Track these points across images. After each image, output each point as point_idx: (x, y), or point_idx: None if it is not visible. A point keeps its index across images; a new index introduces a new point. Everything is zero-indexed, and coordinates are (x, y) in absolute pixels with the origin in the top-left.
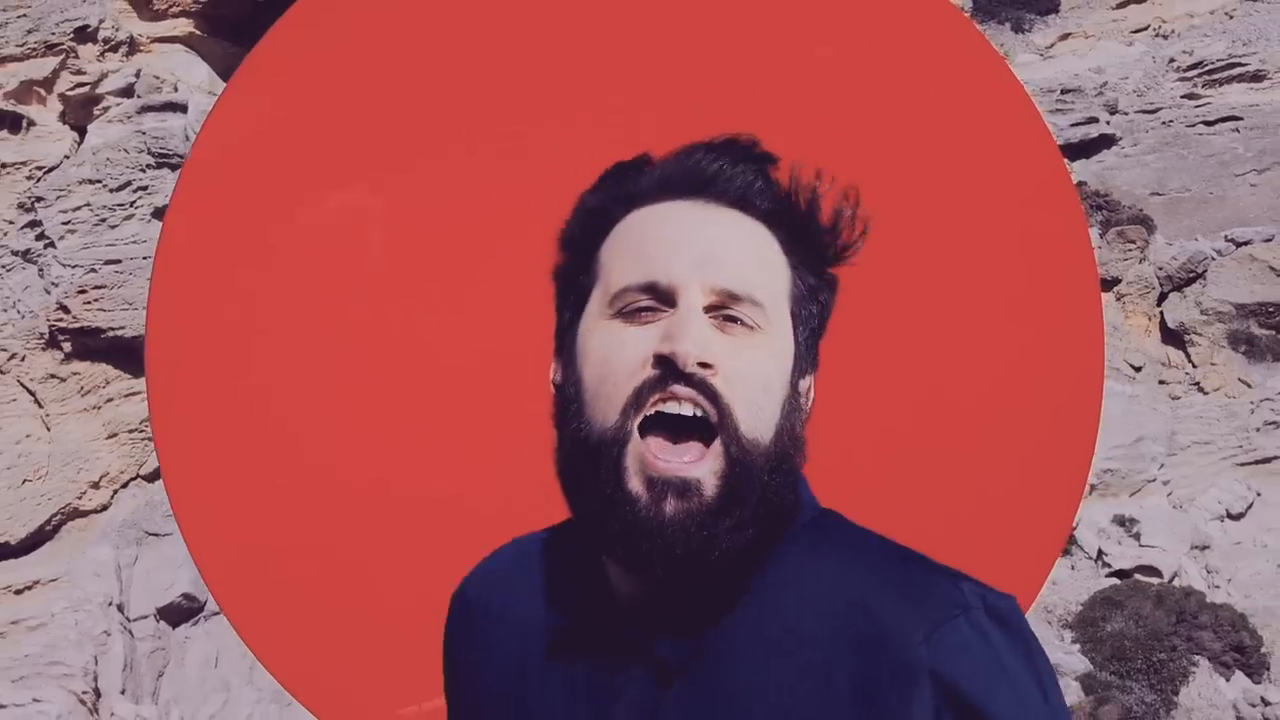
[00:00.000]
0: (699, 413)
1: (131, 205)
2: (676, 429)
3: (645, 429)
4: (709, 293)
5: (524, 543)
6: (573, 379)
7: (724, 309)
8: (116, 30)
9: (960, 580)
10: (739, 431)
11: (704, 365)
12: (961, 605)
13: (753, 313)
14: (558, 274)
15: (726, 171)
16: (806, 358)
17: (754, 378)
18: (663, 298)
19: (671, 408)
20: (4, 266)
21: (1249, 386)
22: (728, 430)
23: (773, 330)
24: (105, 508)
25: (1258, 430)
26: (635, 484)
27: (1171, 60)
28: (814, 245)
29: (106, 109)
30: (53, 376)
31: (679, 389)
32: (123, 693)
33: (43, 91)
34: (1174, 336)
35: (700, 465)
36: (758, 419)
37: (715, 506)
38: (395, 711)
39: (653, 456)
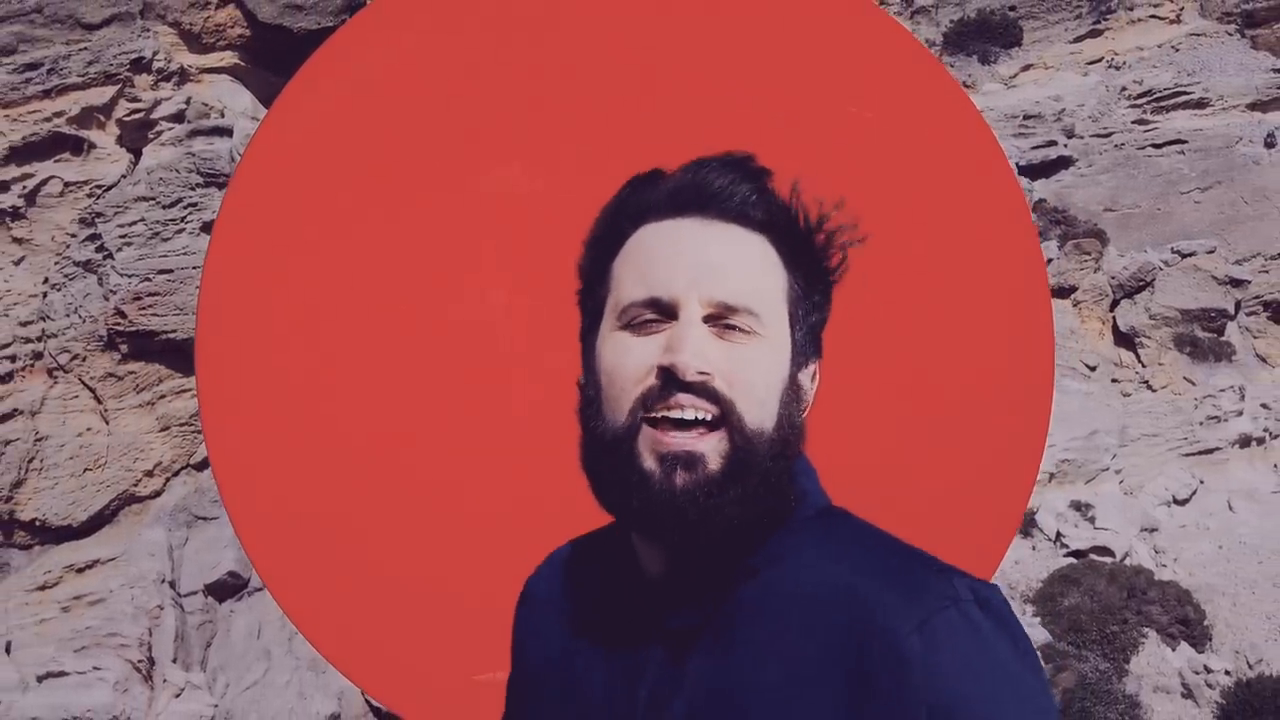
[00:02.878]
0: (701, 415)
1: (182, 220)
2: (684, 426)
3: (656, 426)
4: (707, 305)
5: (580, 539)
6: (592, 382)
7: (722, 319)
8: (169, 62)
9: (954, 575)
10: (743, 421)
11: (702, 374)
12: (952, 597)
13: (749, 320)
14: (579, 286)
15: (726, 189)
16: (806, 351)
17: (752, 378)
18: (665, 311)
19: (676, 413)
20: (67, 276)
21: (1193, 384)
22: (731, 421)
23: (769, 333)
24: (158, 494)
25: (1201, 424)
26: (649, 463)
27: (1123, 89)
28: (806, 247)
29: (160, 133)
30: (111, 375)
31: (681, 397)
32: (174, 661)
33: (102, 117)
34: (1125, 339)
35: (705, 441)
36: (761, 411)
37: (720, 478)
38: (472, 677)
39: (663, 435)
